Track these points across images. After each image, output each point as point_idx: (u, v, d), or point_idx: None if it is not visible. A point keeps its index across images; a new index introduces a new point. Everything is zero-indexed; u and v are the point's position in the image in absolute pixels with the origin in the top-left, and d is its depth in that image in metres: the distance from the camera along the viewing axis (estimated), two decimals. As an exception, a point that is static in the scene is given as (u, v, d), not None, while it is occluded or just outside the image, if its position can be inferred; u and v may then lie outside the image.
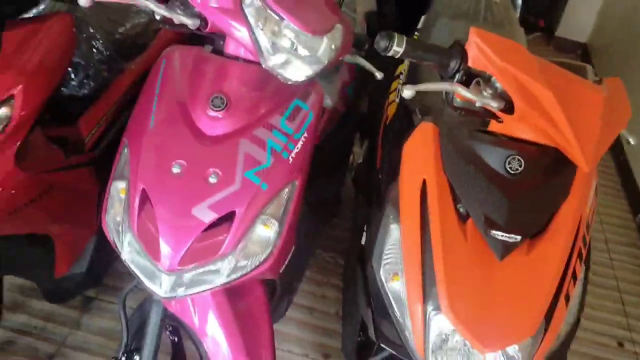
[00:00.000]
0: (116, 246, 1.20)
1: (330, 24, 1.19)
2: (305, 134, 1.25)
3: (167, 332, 1.48)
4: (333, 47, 1.19)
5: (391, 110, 1.94)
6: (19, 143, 1.18)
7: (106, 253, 1.71)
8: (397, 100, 1.93)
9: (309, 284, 2.25)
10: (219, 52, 1.28)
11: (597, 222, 2.90)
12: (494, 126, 1.17)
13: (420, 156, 1.21)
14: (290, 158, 1.22)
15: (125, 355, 1.42)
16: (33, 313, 1.92)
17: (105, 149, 1.60)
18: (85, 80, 1.69)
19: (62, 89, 1.65)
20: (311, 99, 1.29)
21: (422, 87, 1.06)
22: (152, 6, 1.17)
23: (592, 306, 2.39)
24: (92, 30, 1.67)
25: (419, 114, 1.62)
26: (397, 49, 1.03)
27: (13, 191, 1.19)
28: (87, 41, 1.66)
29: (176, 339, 1.47)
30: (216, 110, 1.18)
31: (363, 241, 1.59)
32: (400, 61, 2.03)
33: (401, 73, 2.02)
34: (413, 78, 1.88)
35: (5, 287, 1.95)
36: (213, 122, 1.18)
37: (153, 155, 1.17)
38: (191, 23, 1.20)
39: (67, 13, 1.31)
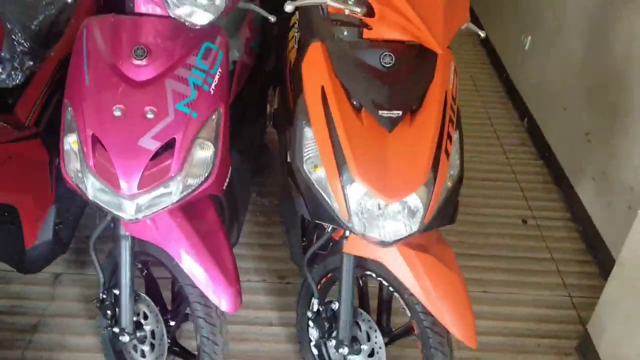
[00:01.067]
0: (81, 191, 1.42)
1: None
2: (220, 69, 1.50)
3: (137, 270, 1.70)
4: (228, -6, 1.44)
5: (292, 55, 2.21)
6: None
7: (67, 220, 1.91)
8: (296, 45, 2.20)
9: (254, 226, 2.51)
10: (130, 13, 1.50)
11: (492, 131, 3.31)
12: (367, 34, 1.47)
13: (316, 69, 1.49)
14: (211, 90, 1.47)
15: (105, 292, 1.64)
16: (7, 296, 2.08)
17: (47, 126, 1.79)
18: (13, 72, 1.86)
19: (-7, 83, 1.81)
20: (218, 40, 1.54)
21: (299, 2, 1.33)
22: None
23: (495, 197, 2.79)
24: (10, 26, 1.84)
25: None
26: None
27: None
28: (8, 36, 1.82)
29: (146, 272, 1.70)
30: (140, 59, 1.41)
31: (289, 158, 1.87)
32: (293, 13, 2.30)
33: (295, 22, 2.29)
34: (304, 24, 2.15)
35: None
36: (139, 69, 1.42)
37: (95, 106, 1.39)
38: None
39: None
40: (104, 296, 1.64)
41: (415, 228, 1.40)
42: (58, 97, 1.94)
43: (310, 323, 1.81)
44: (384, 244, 1.42)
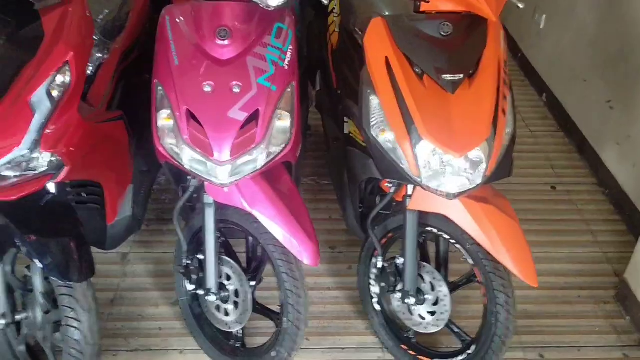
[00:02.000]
0: (176, 163, 1.56)
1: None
2: (291, 47, 1.65)
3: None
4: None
5: (334, 38, 2.35)
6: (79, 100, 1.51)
7: (139, 198, 2.05)
8: (337, 29, 2.35)
9: (300, 204, 2.65)
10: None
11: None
12: (424, 7, 1.62)
13: (378, 41, 1.63)
14: (285, 65, 1.61)
15: (189, 259, 1.78)
16: (82, 275, 2.22)
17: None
18: (84, 64, 2.00)
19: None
20: (287, 21, 1.68)
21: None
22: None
23: (524, 167, 2.92)
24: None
25: (358, 31, 2.04)
26: None
27: (82, 138, 1.52)
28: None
29: (223, 239, 1.84)
30: (222, 40, 1.55)
31: (346, 130, 2.02)
32: None
33: (334, 8, 2.43)
34: (344, 8, 2.29)
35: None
36: (223, 49, 1.56)
37: (186, 83, 1.53)
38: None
39: (79, -3, 1.62)
40: (188, 262, 1.78)
41: (478, 180, 1.55)
42: (124, 84, 2.09)
43: (372, 281, 1.96)
44: (449, 196, 1.56)
